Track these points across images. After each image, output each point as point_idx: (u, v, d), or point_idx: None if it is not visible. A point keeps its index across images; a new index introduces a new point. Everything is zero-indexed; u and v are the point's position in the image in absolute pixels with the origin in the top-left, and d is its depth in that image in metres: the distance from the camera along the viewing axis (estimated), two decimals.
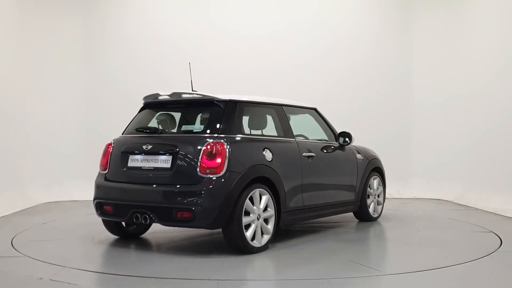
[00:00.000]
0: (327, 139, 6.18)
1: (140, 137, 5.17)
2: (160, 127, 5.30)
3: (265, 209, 4.94)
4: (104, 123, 8.89)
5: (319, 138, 6.16)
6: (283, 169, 5.17)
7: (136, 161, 5.01)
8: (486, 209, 7.66)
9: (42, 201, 8.65)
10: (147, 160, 4.93)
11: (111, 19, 9.44)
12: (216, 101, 5.02)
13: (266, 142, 5.19)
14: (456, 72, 9.24)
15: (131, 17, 9.46)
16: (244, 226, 4.70)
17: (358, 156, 6.45)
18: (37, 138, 8.99)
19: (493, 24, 8.29)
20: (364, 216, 6.63)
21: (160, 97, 5.32)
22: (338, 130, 6.28)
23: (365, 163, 6.53)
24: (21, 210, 7.80)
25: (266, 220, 4.95)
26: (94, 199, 5.25)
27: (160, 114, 5.39)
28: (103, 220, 5.41)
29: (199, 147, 4.69)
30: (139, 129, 5.23)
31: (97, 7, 9.38)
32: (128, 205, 4.88)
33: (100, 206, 5.17)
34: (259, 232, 4.84)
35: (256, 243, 4.80)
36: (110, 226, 5.48)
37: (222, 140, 4.72)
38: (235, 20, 9.49)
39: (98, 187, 5.25)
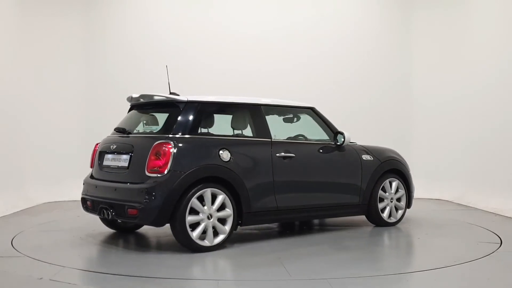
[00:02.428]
0: (328, 139, 6.00)
1: (115, 137, 5.48)
2: (145, 127, 5.48)
3: (223, 209, 4.98)
4: (104, 123, 8.85)
5: (318, 138, 6.03)
6: (245, 169, 5.16)
7: (108, 160, 5.37)
8: (486, 209, 7.66)
9: (42, 201, 8.65)
10: (114, 159, 5.27)
11: (111, 19, 9.44)
12: (176, 102, 5.21)
13: (224, 143, 5.17)
14: (456, 73, 9.24)
15: (131, 17, 9.46)
16: (194, 225, 4.82)
17: (365, 156, 6.14)
18: (37, 138, 8.98)
19: (494, 24, 8.29)
20: (376, 221, 6.26)
21: (132, 99, 5.60)
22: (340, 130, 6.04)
23: (375, 164, 6.18)
24: (21, 210, 7.79)
25: (224, 220, 4.99)
26: (81, 194, 5.61)
27: (143, 115, 5.58)
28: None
29: (148, 147, 4.89)
30: (116, 129, 5.53)
31: (98, 7, 9.38)
32: (98, 201, 5.21)
33: (84, 201, 5.53)
34: (210, 231, 4.90)
35: (206, 242, 4.87)
36: (105, 220, 5.77)
37: (169, 141, 4.86)
38: (235, 20, 9.49)
39: (84, 183, 5.65)
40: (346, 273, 4.20)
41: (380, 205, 6.21)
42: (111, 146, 5.32)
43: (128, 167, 5.03)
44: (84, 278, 4.19)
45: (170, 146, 4.82)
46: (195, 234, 4.81)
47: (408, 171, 6.56)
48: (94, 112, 9.22)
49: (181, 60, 9.26)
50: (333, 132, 6.00)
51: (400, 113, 9.76)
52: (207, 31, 9.40)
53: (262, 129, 5.53)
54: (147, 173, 4.82)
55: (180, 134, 4.98)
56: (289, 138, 5.95)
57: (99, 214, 5.21)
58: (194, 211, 4.83)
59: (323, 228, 6.45)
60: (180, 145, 4.89)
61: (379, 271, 4.27)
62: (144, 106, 5.62)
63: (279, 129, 6.30)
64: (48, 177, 8.96)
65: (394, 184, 6.35)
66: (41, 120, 9.05)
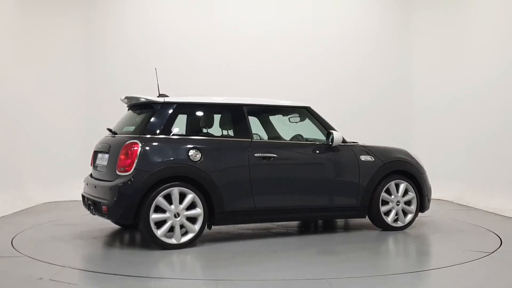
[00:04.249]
0: (324, 139, 5.79)
1: (106, 137, 5.69)
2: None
3: (194, 208, 5.07)
4: (104, 123, 8.81)
5: (314, 138, 5.89)
6: (218, 169, 5.19)
7: (98, 159, 5.62)
8: (486, 209, 7.66)
9: (42, 201, 8.65)
10: (101, 159, 5.51)
11: (111, 19, 9.44)
12: (153, 103, 5.35)
13: (194, 143, 5.21)
14: (456, 73, 9.24)
15: (131, 17, 9.46)
16: (160, 223, 4.96)
17: (364, 157, 5.85)
18: (37, 138, 8.98)
19: (494, 24, 8.29)
20: (380, 225, 5.96)
21: (122, 100, 5.81)
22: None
23: (376, 165, 5.87)
24: (21, 210, 7.80)
25: (195, 219, 5.08)
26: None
27: (137, 116, 5.66)
28: None
29: (119, 147, 5.10)
30: (107, 129, 5.71)
31: (98, 7, 9.38)
32: (87, 198, 5.47)
33: (83, 198, 5.67)
34: (177, 229, 5.01)
35: (173, 240, 5.00)
36: None
37: (137, 141, 5.04)
38: (235, 20, 9.49)
39: (84, 181, 5.84)
40: (345, 273, 4.20)
41: (384, 208, 5.91)
42: (99, 146, 5.63)
43: (106, 166, 5.27)
44: (84, 278, 4.19)
45: (137, 146, 4.99)
46: (159, 232, 4.94)
47: (420, 173, 6.14)
48: (94, 112, 9.22)
49: (181, 60, 9.26)
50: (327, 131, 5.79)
51: (400, 113, 9.76)
52: (207, 31, 9.39)
53: (242, 129, 5.51)
54: (117, 172, 5.03)
55: (151, 134, 5.14)
56: (292, 138, 5.95)
57: (88, 209, 5.46)
58: (161, 210, 4.97)
59: (318, 230, 6.45)
60: (148, 145, 5.04)
61: (379, 271, 4.27)
62: (135, 107, 5.73)
63: (280, 129, 6.32)
64: (48, 177, 8.96)
65: (401, 187, 5.98)
66: (41, 120, 9.05)
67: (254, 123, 6.13)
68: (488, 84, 8.32)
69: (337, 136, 5.67)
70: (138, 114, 5.59)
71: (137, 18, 9.43)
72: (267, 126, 6.30)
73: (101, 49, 9.36)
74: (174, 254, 4.87)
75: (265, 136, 6.14)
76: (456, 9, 9.34)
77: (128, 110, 5.88)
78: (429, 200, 6.26)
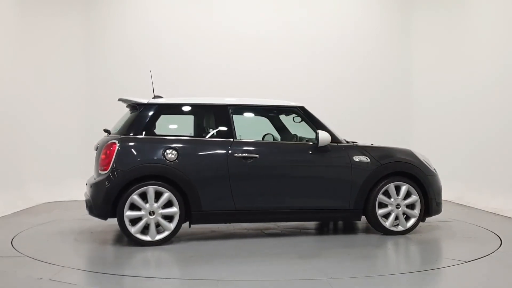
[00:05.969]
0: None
1: (102, 137, 5.80)
2: None
3: (171, 206, 5.22)
4: (104, 123, 8.83)
5: (309, 138, 5.79)
6: (195, 169, 5.27)
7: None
8: (486, 209, 7.66)
9: (42, 201, 8.64)
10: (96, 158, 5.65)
11: (111, 19, 9.44)
12: (138, 104, 5.51)
13: (172, 142, 5.31)
14: (456, 72, 9.24)
15: (131, 17, 9.45)
16: (136, 220, 5.15)
17: (358, 158, 5.61)
18: (37, 138, 8.98)
19: (494, 24, 8.29)
20: (378, 228, 5.72)
21: (119, 101, 5.93)
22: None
23: (371, 166, 5.61)
24: (21, 210, 7.80)
25: (171, 217, 5.23)
26: None
27: (128, 116, 5.80)
28: None
29: (102, 147, 5.37)
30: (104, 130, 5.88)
31: (98, 7, 9.37)
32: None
33: None
34: (152, 227, 5.18)
35: (147, 238, 5.18)
36: None
37: (115, 141, 5.26)
38: (235, 20, 9.49)
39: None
40: (345, 273, 4.20)
41: (382, 211, 5.67)
42: (95, 146, 5.79)
43: (96, 165, 5.51)
44: (84, 278, 4.19)
45: (115, 146, 5.20)
46: (134, 229, 5.13)
47: (425, 175, 5.79)
48: (94, 112, 9.21)
49: (181, 60, 9.27)
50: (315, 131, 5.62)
51: (400, 113, 9.77)
52: (207, 31, 9.40)
53: (225, 130, 5.51)
54: (98, 171, 5.31)
55: (132, 134, 5.31)
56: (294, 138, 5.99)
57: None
58: (136, 207, 5.16)
59: (320, 231, 6.44)
60: (125, 144, 5.24)
61: (379, 271, 4.27)
62: (131, 107, 5.80)
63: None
64: (48, 177, 8.96)
65: (403, 189, 5.69)
66: (41, 120, 9.04)
67: (266, 124, 6.20)
68: (488, 84, 8.32)
69: (323, 136, 5.47)
70: (131, 114, 5.68)
71: (137, 18, 9.43)
72: (279, 127, 6.26)
73: (101, 49, 9.36)
74: (173, 254, 4.86)
75: (278, 137, 6.16)
76: (456, 9, 9.34)
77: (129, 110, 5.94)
78: (438, 204, 5.89)
